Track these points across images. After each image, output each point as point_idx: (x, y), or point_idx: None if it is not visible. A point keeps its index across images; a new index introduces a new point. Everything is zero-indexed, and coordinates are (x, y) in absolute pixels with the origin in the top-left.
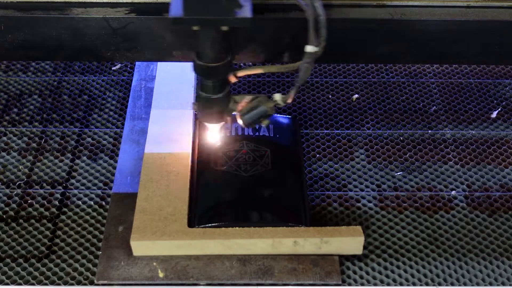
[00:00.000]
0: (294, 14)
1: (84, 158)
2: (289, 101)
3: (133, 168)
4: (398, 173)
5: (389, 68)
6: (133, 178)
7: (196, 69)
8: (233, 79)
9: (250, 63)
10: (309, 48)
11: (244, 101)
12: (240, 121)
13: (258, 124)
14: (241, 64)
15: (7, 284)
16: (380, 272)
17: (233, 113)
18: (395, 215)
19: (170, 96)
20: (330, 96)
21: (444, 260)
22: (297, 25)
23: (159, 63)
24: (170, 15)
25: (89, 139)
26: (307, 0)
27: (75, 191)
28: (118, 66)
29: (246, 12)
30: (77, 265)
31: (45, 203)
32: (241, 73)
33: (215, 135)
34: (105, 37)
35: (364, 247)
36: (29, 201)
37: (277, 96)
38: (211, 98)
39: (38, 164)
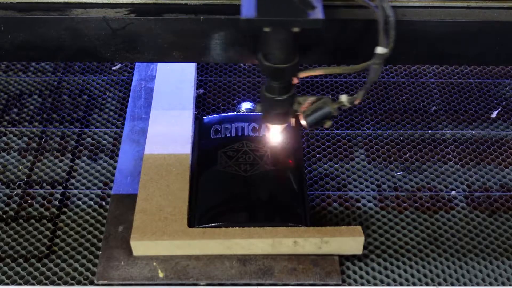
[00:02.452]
0: (360, 15)
1: (84, 158)
2: (357, 102)
3: (133, 168)
4: (398, 173)
5: (389, 68)
6: (133, 178)
7: (263, 70)
8: (295, 80)
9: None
10: (379, 50)
11: (308, 102)
12: (303, 122)
13: (321, 126)
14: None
15: (7, 284)
16: (380, 272)
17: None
18: (395, 215)
19: (170, 96)
20: (330, 96)
21: (444, 260)
22: (362, 26)
23: (159, 63)
24: (242, 16)
25: (89, 139)
26: (376, 1)
27: (75, 191)
28: (118, 66)
29: (318, 13)
30: (77, 265)
31: (45, 203)
32: (304, 74)
33: (277, 135)
34: (105, 37)
35: (364, 247)
36: (29, 201)
37: (344, 97)
38: (276, 99)
39: (38, 164)
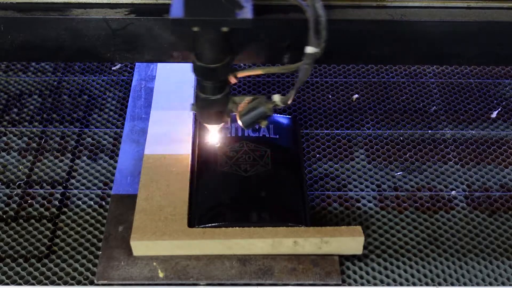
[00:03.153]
0: (295, 15)
1: (84, 158)
2: (289, 102)
3: (133, 168)
4: (398, 173)
5: (389, 68)
6: (133, 178)
7: (195, 70)
8: (233, 80)
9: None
10: (309, 49)
11: (244, 102)
12: (239, 122)
13: (257, 125)
14: (241, 65)
15: (7, 284)
16: (380, 272)
17: (232, 113)
18: (395, 215)
19: (170, 96)
20: (330, 96)
21: (444, 260)
22: (298, 26)
23: (159, 63)
24: (170, 15)
25: (89, 139)
26: (308, 1)
27: (75, 191)
28: (118, 66)
29: (247, 13)
30: (77, 265)
31: (45, 203)
32: (241, 74)
33: (214, 135)
34: (105, 38)
35: (364, 247)
36: (29, 201)
37: (276, 97)
38: (210, 99)
39: (38, 164)
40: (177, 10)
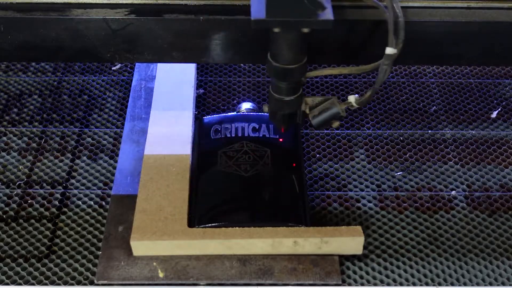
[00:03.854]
0: (369, 15)
1: (84, 158)
2: (365, 103)
3: (133, 168)
4: (398, 173)
5: None
6: (133, 178)
7: (271, 71)
8: (303, 81)
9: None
10: (389, 50)
11: (316, 103)
12: (312, 122)
13: (329, 126)
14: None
15: (7, 284)
16: (380, 272)
17: (304, 115)
18: (395, 215)
19: (170, 96)
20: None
21: (444, 260)
22: (370, 26)
23: (159, 63)
24: (252, 17)
25: (89, 139)
26: (386, 2)
27: (75, 191)
28: (118, 66)
29: (328, 14)
30: (77, 265)
31: (45, 203)
32: (313, 74)
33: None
34: (105, 38)
35: (364, 247)
36: (29, 201)
37: (352, 98)
38: (284, 100)
39: (38, 164)
40: (258, 11)
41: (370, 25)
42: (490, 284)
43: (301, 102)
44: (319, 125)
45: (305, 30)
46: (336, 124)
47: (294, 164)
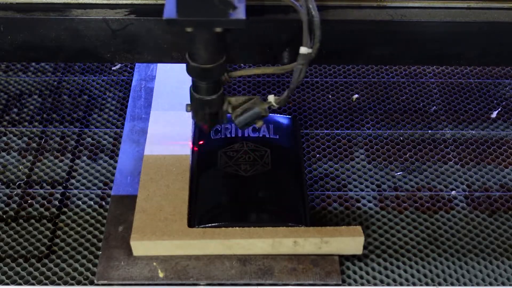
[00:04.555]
0: (290, 15)
1: (84, 158)
2: (283, 103)
3: (133, 168)
4: (398, 173)
5: (389, 68)
6: (133, 178)
7: (190, 70)
8: (227, 81)
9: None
10: (303, 50)
11: (238, 102)
12: (235, 122)
13: (253, 125)
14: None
15: (7, 284)
16: (380, 272)
17: (227, 114)
18: (395, 215)
19: (170, 96)
20: (330, 96)
21: (444, 260)
22: (293, 26)
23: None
24: (164, 16)
25: (89, 139)
26: (301, 1)
27: (75, 191)
28: (118, 66)
29: (240, 13)
30: (77, 265)
31: (45, 203)
32: (236, 74)
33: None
34: (105, 38)
35: (364, 247)
36: (29, 201)
37: (271, 98)
38: (205, 99)
39: (38, 164)
40: (170, 11)
41: (293, 24)
42: (490, 284)
43: (223, 102)
44: (242, 124)
45: (218, 29)
46: (259, 123)
47: (294, 164)
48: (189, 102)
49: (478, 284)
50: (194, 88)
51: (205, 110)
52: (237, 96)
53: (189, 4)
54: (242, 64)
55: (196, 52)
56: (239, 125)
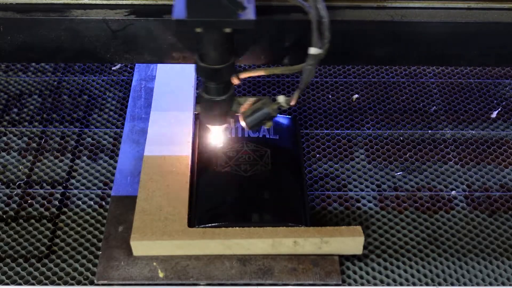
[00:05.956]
0: (297, 16)
1: (84, 158)
2: (293, 103)
3: (133, 168)
4: (398, 173)
5: (389, 68)
6: (133, 178)
7: (199, 71)
8: (236, 81)
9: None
10: (313, 50)
11: (247, 103)
12: (243, 123)
13: (262, 126)
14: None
15: (7, 284)
16: (380, 272)
17: (236, 114)
18: (395, 215)
19: (170, 97)
20: (330, 96)
21: (444, 260)
22: (301, 27)
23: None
24: (173, 17)
25: (89, 139)
26: (310, 2)
27: (75, 191)
28: (118, 66)
29: (249, 14)
30: (77, 265)
31: (45, 203)
32: (244, 75)
33: (218, 136)
34: (105, 39)
35: (364, 247)
36: (29, 201)
37: (281, 98)
38: (214, 100)
39: (38, 164)
40: (179, 11)
41: (302, 25)
42: (490, 284)
43: (233, 102)
44: (251, 125)
45: (227, 30)
46: (268, 124)
47: (294, 164)
48: (189, 102)
49: (478, 284)
50: (203, 89)
51: (214, 110)
52: (246, 97)
53: (199, 5)
54: (242, 64)
55: (205, 52)
56: (249, 126)
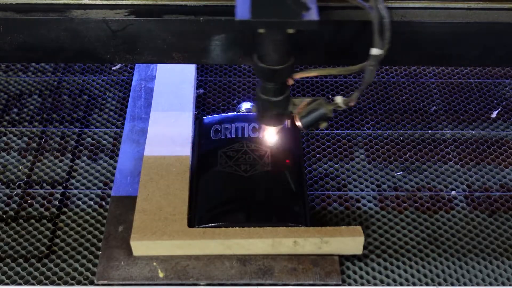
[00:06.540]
0: (355, 16)
1: (84, 158)
2: (352, 104)
3: (133, 168)
4: (398, 173)
5: (389, 68)
6: (133, 178)
7: (258, 72)
8: (290, 82)
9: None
10: (375, 51)
11: (303, 103)
12: (298, 124)
13: (317, 127)
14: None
15: (7, 284)
16: (380, 272)
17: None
18: (395, 215)
19: (170, 97)
20: (330, 96)
21: (444, 260)
22: (357, 27)
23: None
24: (236, 17)
25: (89, 139)
26: (371, 2)
27: (75, 191)
28: (118, 66)
29: (313, 14)
30: (77, 265)
31: (45, 203)
32: (300, 75)
33: (272, 136)
34: (105, 39)
35: (364, 247)
36: (29, 201)
37: (339, 99)
38: (271, 100)
39: (38, 164)
40: (243, 12)
41: (358, 25)
42: (490, 284)
43: (288, 103)
44: (307, 125)
45: (290, 30)
46: (323, 125)
47: (294, 164)
48: (189, 102)
49: (478, 284)
50: (260, 90)
51: (271, 111)
52: (302, 97)
53: (262, 5)
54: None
55: (266, 53)
56: (304, 126)
